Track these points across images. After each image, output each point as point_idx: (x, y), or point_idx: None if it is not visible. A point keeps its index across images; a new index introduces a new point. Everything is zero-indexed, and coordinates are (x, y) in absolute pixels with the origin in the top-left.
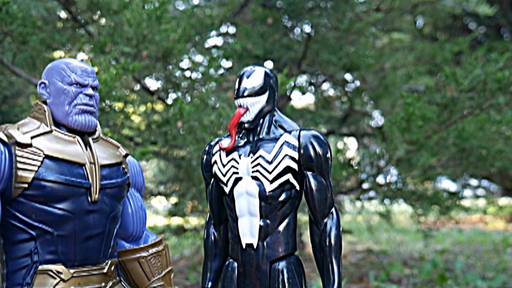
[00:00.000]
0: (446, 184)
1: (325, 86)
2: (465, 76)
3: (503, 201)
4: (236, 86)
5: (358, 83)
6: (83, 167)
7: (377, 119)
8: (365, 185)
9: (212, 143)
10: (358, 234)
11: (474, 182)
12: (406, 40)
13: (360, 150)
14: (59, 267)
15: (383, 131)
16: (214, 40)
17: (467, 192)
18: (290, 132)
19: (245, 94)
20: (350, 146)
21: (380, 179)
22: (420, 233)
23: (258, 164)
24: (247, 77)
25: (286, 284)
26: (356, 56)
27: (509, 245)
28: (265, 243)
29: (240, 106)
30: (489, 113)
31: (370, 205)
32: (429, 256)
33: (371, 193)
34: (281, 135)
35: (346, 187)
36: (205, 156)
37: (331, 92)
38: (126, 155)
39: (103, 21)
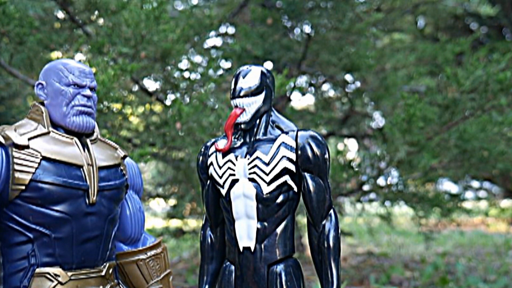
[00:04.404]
0: (448, 186)
1: (325, 87)
2: (466, 77)
3: (505, 203)
4: (232, 86)
5: (358, 84)
6: (81, 169)
7: (378, 120)
8: (366, 187)
9: (208, 144)
10: (359, 236)
11: (475, 184)
12: (407, 40)
13: (360, 152)
14: (56, 270)
15: (384, 132)
16: (213, 41)
17: (469, 194)
18: (287, 133)
19: (241, 94)
20: (351, 148)
21: (380, 181)
22: (421, 236)
23: (255, 165)
24: (243, 77)
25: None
26: (357, 56)
27: (511, 248)
28: (262, 246)
29: (236, 106)
30: (491, 114)
31: (370, 207)
32: (430, 258)
33: (372, 195)
34: (278, 136)
35: (346, 189)
36: (201, 158)
37: (331, 93)
38: (124, 157)
39: (101, 21)
